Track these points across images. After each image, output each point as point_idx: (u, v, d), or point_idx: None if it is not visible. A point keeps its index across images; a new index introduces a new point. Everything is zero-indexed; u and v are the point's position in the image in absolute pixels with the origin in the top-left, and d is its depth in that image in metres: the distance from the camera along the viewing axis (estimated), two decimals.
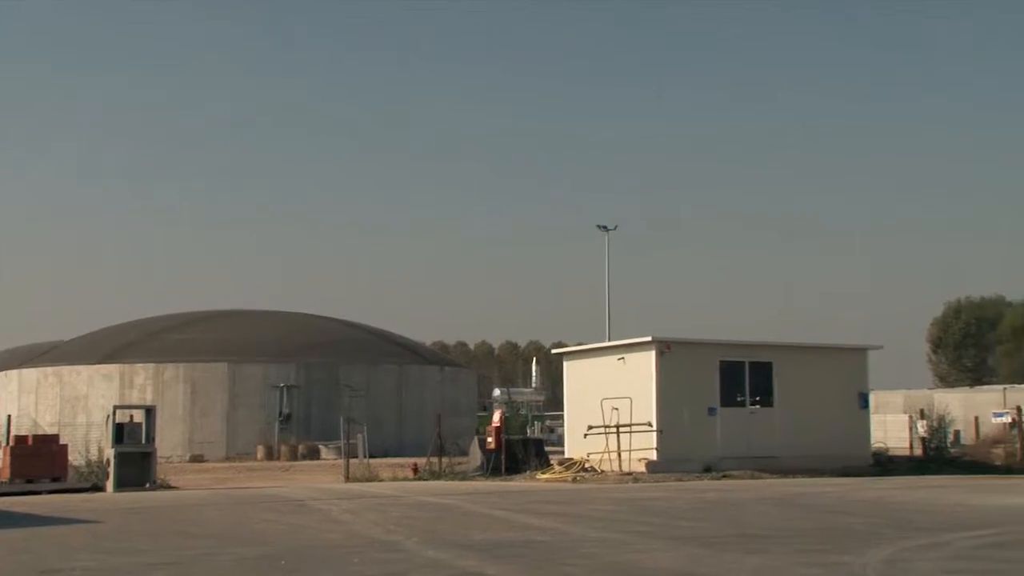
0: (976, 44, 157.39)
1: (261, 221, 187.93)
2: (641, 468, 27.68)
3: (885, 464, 31.07)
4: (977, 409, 51.11)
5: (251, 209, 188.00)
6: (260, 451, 44.51)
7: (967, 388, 70.00)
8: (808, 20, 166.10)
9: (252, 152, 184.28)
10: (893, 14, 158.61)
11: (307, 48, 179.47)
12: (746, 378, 29.52)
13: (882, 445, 35.34)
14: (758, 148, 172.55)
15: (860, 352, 31.76)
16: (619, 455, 27.90)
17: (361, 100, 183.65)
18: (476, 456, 30.14)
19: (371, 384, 48.56)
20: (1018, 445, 33.04)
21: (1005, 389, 60.75)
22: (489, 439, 29.88)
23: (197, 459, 43.29)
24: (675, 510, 18.02)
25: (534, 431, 59.91)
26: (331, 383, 47.83)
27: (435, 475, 29.02)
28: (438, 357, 61.96)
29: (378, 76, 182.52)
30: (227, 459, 43.75)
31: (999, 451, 34.76)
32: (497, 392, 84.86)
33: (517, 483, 26.71)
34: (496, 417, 31.69)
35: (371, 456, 32.88)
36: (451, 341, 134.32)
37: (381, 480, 28.01)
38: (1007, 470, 31.11)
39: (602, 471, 27.89)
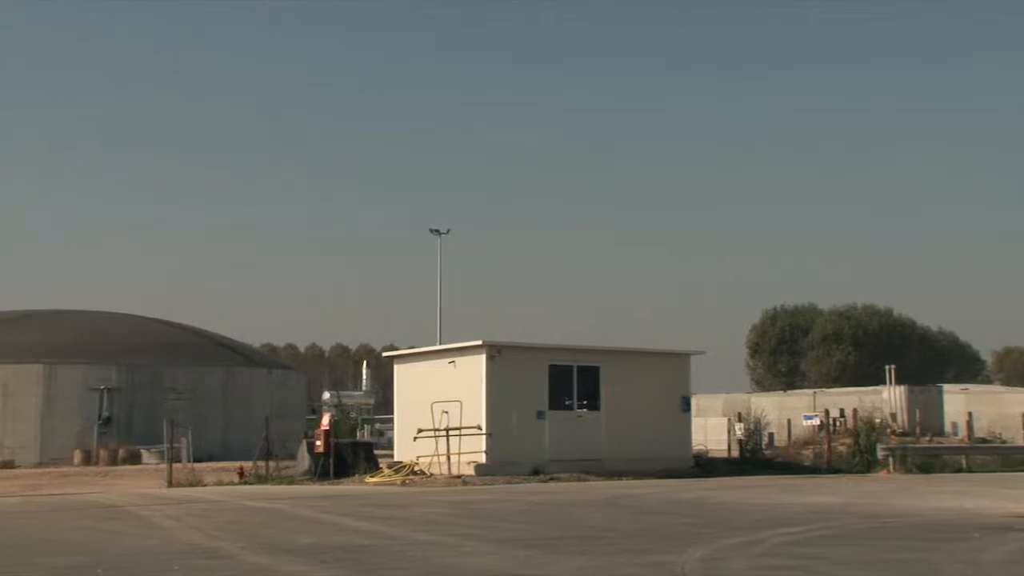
0: (778, 59, 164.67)
1: (82, 221, 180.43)
2: (470, 471, 27.87)
3: (705, 465, 32.15)
4: (790, 412, 53.39)
5: (72, 207, 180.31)
6: (77, 456, 42.77)
7: (781, 392, 72.98)
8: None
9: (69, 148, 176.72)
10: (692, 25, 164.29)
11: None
12: (574, 382, 30.10)
13: (702, 447, 36.56)
14: (587, 152, 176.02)
15: (683, 357, 32.78)
16: (448, 458, 28.03)
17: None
18: (304, 460, 29.77)
19: (196, 386, 47.34)
20: (825, 446, 34.71)
21: (815, 393, 63.68)
22: (317, 442, 29.57)
23: (7, 465, 41.28)
24: (502, 513, 18.23)
25: (364, 434, 59.47)
26: (154, 385, 46.41)
27: (262, 479, 28.54)
28: (266, 360, 60.87)
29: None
30: (40, 464, 41.87)
31: (808, 452, 36.46)
32: (327, 395, 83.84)
33: (345, 487, 26.52)
34: (325, 420, 31.40)
35: (196, 460, 32.08)
36: (280, 343, 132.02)
37: (205, 485, 27.34)
38: (815, 470, 32.72)
39: (431, 474, 27.96)
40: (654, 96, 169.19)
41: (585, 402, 30.24)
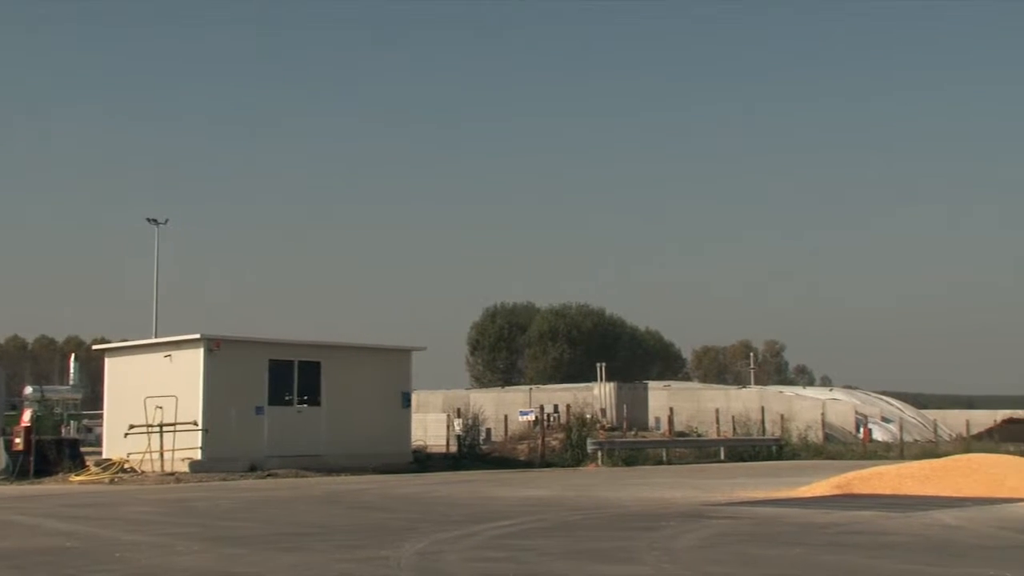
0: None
1: None
2: (184, 468, 27.01)
3: (424, 461, 32.56)
4: (507, 408, 54.83)
5: None
6: None
7: (499, 388, 74.86)
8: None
9: None
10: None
11: None
12: (295, 377, 29.73)
13: (422, 443, 36.98)
14: (301, 147, 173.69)
15: (405, 353, 33.04)
16: (162, 455, 27.05)
17: None
18: (1, 458, 27.88)
19: None
20: (539, 441, 35.93)
21: (531, 389, 65.73)
22: (16, 440, 27.77)
23: None
24: (216, 510, 17.81)
25: (70, 431, 56.13)
26: None
27: None
28: None
29: None
30: None
31: (524, 447, 37.64)
32: (29, 390, 78.49)
33: (48, 486, 25.06)
34: (25, 416, 29.55)
35: None
36: None
37: None
38: (529, 464, 33.88)
39: (143, 472, 26.89)
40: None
41: (306, 397, 29.94)
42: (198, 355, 27.93)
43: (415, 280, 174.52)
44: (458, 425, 36.18)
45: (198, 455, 27.35)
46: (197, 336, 28.11)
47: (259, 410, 28.69)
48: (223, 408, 27.90)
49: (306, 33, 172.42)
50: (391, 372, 32.08)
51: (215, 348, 28.04)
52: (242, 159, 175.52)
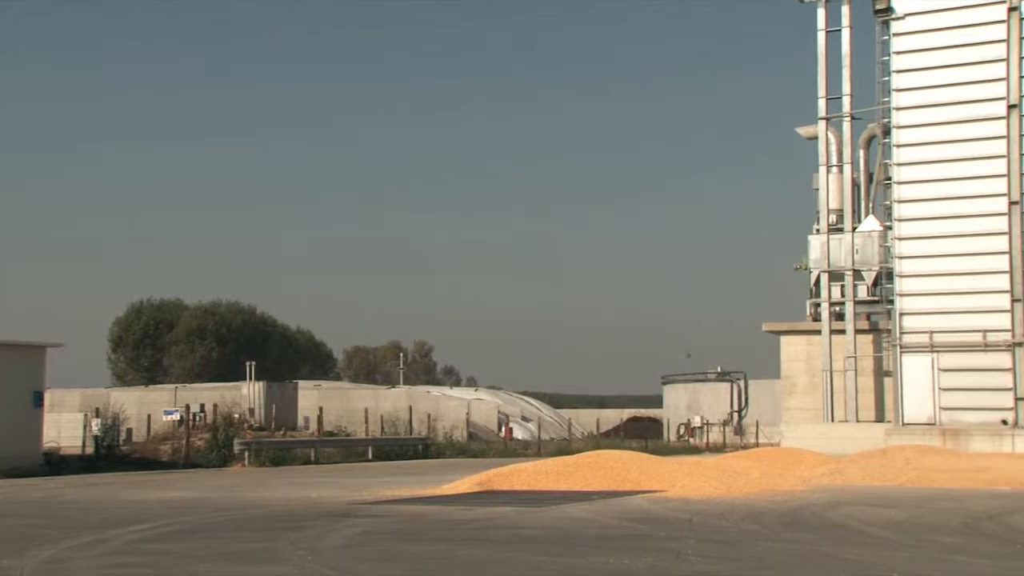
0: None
1: None
2: None
3: (57, 463, 30.73)
4: (151, 407, 52.81)
5: None
6: None
7: (143, 387, 71.91)
8: None
9: None
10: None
11: None
12: None
13: (55, 444, 34.90)
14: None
15: (38, 349, 31.01)
16: None
17: None
18: None
19: None
20: (184, 442, 34.85)
21: (177, 388, 63.64)
22: None
23: None
24: None
25: None
26: None
27: None
28: None
29: None
30: None
31: (167, 447, 36.36)
32: None
33: None
34: None
35: None
36: None
37: None
38: (173, 465, 32.76)
39: None
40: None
41: None
42: None
43: (55, 275, 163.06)
44: (96, 425, 34.31)
45: None
46: None
47: None
48: None
49: None
50: (20, 369, 29.93)
51: None
52: None
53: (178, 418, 44.85)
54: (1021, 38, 32.81)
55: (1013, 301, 32.32)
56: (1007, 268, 32.50)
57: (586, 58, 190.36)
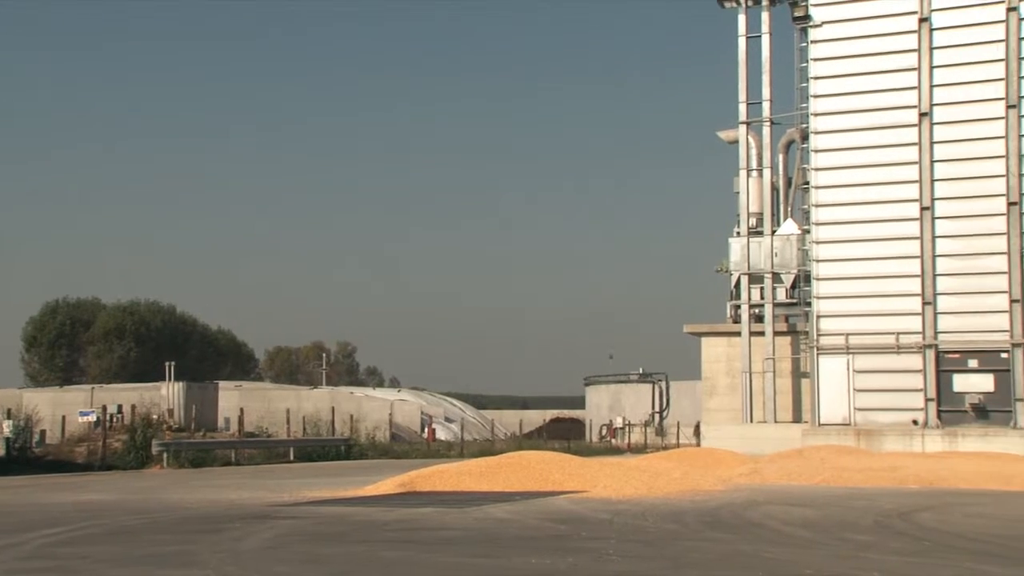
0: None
1: None
2: None
3: None
4: (66, 408, 51.75)
5: None
6: None
7: (58, 388, 70.42)
8: None
9: None
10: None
11: None
12: None
13: None
14: None
15: None
16: None
17: None
18: None
19: None
20: (100, 443, 34.21)
21: (93, 389, 62.44)
22: None
23: None
24: None
25: None
26: None
27: None
28: None
29: None
30: None
31: (83, 449, 35.66)
32: None
33: None
34: None
35: None
36: None
37: None
38: (89, 467, 32.13)
39: None
40: None
41: None
42: None
43: None
44: (7, 427, 33.50)
45: None
46: None
47: None
48: None
49: None
50: None
51: None
52: None
53: (94, 419, 44.03)
54: (931, 48, 33.67)
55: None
56: (919, 272, 33.31)
57: (509, 62, 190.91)
